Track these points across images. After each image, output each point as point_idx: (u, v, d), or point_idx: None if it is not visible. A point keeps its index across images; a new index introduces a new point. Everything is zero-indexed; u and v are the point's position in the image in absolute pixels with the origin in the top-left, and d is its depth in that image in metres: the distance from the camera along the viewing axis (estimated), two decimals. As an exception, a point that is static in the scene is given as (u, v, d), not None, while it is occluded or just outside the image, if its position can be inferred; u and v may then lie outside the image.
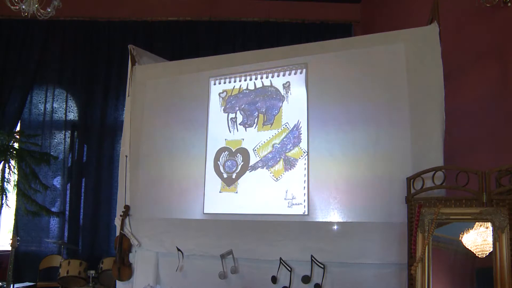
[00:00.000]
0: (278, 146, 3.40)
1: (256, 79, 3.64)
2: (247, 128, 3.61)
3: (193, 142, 3.76)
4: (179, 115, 3.91)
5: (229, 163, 3.61)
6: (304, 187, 3.24)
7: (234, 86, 3.73)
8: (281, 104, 3.47)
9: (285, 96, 3.48)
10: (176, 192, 3.77)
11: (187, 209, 3.68)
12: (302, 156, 3.30)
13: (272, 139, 3.43)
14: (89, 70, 5.63)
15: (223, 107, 3.73)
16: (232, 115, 3.69)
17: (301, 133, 3.34)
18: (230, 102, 3.72)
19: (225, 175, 3.60)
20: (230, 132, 3.67)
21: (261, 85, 3.57)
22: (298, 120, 3.37)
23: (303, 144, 3.31)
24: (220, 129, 3.71)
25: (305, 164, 3.28)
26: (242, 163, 3.57)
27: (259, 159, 3.45)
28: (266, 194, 3.38)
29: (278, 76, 3.53)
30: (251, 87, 3.66)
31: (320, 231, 3.16)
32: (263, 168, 3.44)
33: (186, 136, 3.81)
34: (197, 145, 3.73)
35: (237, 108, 3.69)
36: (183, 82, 3.97)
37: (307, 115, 3.34)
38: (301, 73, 3.45)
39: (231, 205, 3.54)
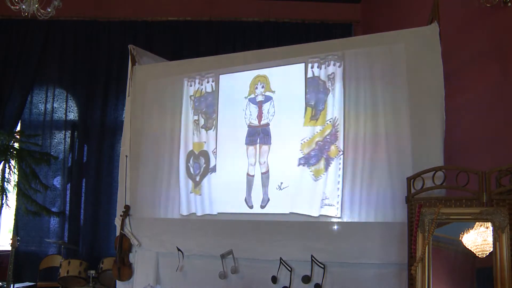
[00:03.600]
0: (322, 143, 3.29)
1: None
2: (207, 131, 3.71)
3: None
4: (179, 115, 3.92)
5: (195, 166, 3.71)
6: (338, 188, 3.15)
7: (199, 88, 3.82)
8: (326, 98, 3.34)
9: (330, 88, 3.33)
10: (176, 192, 3.78)
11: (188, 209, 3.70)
12: (337, 155, 3.21)
13: (316, 136, 3.31)
14: (89, 70, 5.63)
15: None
16: (195, 118, 3.78)
17: (337, 131, 3.25)
18: (194, 103, 3.81)
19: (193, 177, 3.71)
20: (193, 134, 3.76)
21: (311, 75, 3.42)
22: (336, 117, 3.27)
23: (339, 143, 3.22)
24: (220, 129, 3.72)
25: (340, 164, 3.18)
26: (204, 165, 3.64)
27: (302, 155, 3.33)
28: (304, 192, 3.28)
29: (323, 67, 3.38)
30: (210, 89, 3.74)
31: (320, 231, 3.16)
32: (304, 165, 3.32)
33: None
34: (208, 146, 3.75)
35: (200, 111, 3.78)
36: (183, 82, 3.98)
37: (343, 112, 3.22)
38: (339, 66, 3.32)
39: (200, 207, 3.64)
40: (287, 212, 3.29)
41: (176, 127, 3.89)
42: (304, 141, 3.33)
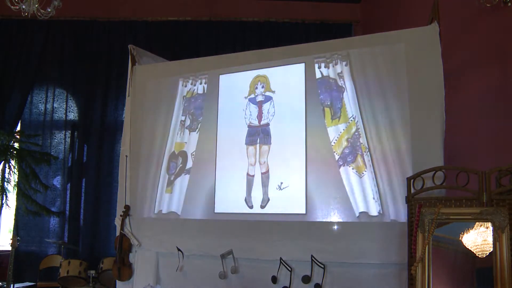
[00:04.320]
0: (352, 140, 3.21)
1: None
2: (190, 133, 3.75)
3: (203, 143, 3.76)
4: (171, 115, 3.94)
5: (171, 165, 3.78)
6: (375, 185, 3.08)
7: (191, 89, 3.85)
8: (342, 96, 3.29)
9: (343, 86, 3.29)
10: (155, 195, 3.81)
11: (188, 208, 3.70)
12: (365, 151, 3.16)
13: (344, 134, 3.24)
14: (89, 70, 5.63)
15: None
16: (182, 118, 3.83)
17: (359, 128, 3.21)
18: (184, 104, 3.85)
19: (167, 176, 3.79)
20: (177, 134, 3.82)
21: (320, 76, 3.39)
22: (354, 115, 3.24)
23: (363, 140, 3.17)
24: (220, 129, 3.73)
25: (369, 161, 3.12)
26: (181, 165, 3.69)
27: (338, 156, 3.24)
28: (355, 191, 3.17)
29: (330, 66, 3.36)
30: (201, 91, 3.78)
31: (320, 231, 3.16)
32: (344, 165, 3.22)
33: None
34: (207, 146, 3.73)
35: (188, 112, 3.83)
36: (178, 83, 3.98)
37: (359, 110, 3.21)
38: (346, 65, 3.30)
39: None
40: (326, 218, 3.17)
41: (167, 127, 3.93)
42: (334, 143, 3.26)
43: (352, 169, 3.18)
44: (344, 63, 3.30)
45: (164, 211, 3.77)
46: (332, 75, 3.34)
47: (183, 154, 3.79)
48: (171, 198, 3.77)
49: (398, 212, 2.94)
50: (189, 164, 3.73)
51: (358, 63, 3.26)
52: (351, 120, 3.22)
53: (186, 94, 3.92)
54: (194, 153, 3.74)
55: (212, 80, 3.81)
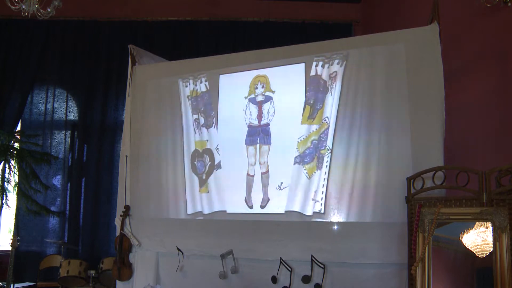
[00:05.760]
0: (316, 142, 3.30)
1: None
2: (208, 129, 3.73)
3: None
4: (179, 115, 3.92)
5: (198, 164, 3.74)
6: (323, 185, 3.19)
7: (194, 88, 3.87)
8: (325, 97, 3.33)
9: (329, 87, 3.32)
10: (181, 191, 3.78)
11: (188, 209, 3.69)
12: (326, 153, 3.23)
13: (312, 135, 3.32)
14: (89, 70, 5.63)
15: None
16: (195, 116, 3.81)
17: (329, 129, 3.27)
18: (192, 103, 3.85)
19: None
20: (195, 133, 3.78)
21: (314, 74, 3.41)
22: (329, 116, 3.29)
23: (329, 141, 3.25)
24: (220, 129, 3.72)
25: (327, 162, 3.21)
26: (209, 163, 3.66)
27: (298, 154, 3.35)
28: (299, 191, 3.30)
29: (325, 66, 3.38)
30: (204, 89, 3.80)
31: (320, 231, 3.16)
32: (299, 164, 3.33)
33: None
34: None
35: (198, 110, 3.82)
36: (178, 83, 3.98)
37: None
38: (341, 65, 3.33)
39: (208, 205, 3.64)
40: (283, 211, 3.31)
41: (177, 127, 3.88)
42: (300, 140, 3.35)
43: (304, 170, 3.29)
44: (340, 63, 3.31)
45: (206, 212, 3.62)
46: (324, 76, 3.36)
47: (208, 152, 3.72)
48: (210, 198, 3.64)
49: (399, 212, 2.93)
50: (217, 159, 3.68)
51: (354, 64, 3.26)
52: (324, 121, 3.28)
53: (190, 94, 3.90)
54: (218, 147, 3.69)
55: (212, 80, 3.81)
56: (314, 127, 3.32)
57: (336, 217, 3.14)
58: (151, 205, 3.85)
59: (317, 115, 3.32)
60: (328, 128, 3.25)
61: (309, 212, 3.22)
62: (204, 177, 3.70)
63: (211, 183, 3.66)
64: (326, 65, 3.35)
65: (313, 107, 3.35)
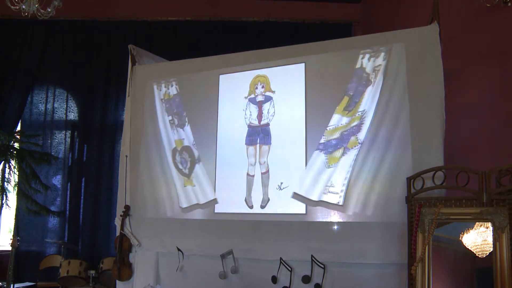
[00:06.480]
0: (346, 133, 3.24)
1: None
2: (183, 128, 3.85)
3: (203, 143, 3.77)
4: (156, 117, 4.01)
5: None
6: (346, 178, 3.16)
7: (165, 91, 4.04)
8: (365, 90, 3.25)
9: (372, 81, 3.24)
10: (172, 188, 3.79)
11: (188, 208, 3.70)
12: (355, 146, 3.19)
13: (343, 127, 3.26)
14: (89, 70, 5.63)
15: None
16: (169, 118, 3.94)
17: (363, 123, 3.21)
18: (165, 106, 3.99)
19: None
20: (173, 133, 3.91)
21: (359, 66, 3.32)
22: (365, 110, 3.23)
23: (361, 135, 3.18)
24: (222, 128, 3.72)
25: (355, 155, 3.17)
26: (190, 158, 3.78)
27: (323, 141, 3.30)
28: (311, 177, 3.29)
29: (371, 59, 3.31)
30: (175, 91, 3.94)
31: (320, 231, 3.16)
32: (321, 152, 3.30)
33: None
34: (207, 144, 3.74)
35: (172, 112, 3.95)
36: (183, 82, 3.98)
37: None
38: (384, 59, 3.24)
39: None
40: (291, 193, 3.31)
41: (157, 127, 4.00)
42: (329, 129, 3.30)
43: (326, 158, 3.25)
44: (385, 56, 3.24)
45: (202, 202, 3.68)
46: (368, 69, 3.27)
47: (187, 148, 3.82)
48: (196, 190, 3.72)
49: (399, 212, 2.93)
50: (196, 153, 3.77)
51: (397, 59, 3.18)
52: (358, 114, 3.21)
53: (163, 97, 4.03)
54: (194, 143, 3.80)
55: (212, 80, 3.82)
56: (346, 119, 3.26)
57: (354, 211, 3.10)
58: (149, 204, 3.86)
59: (353, 108, 3.26)
60: (360, 122, 3.20)
61: (314, 198, 3.21)
62: (187, 172, 3.78)
63: (195, 176, 3.75)
64: (372, 58, 3.28)
65: (352, 99, 3.28)
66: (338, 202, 3.14)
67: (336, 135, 3.26)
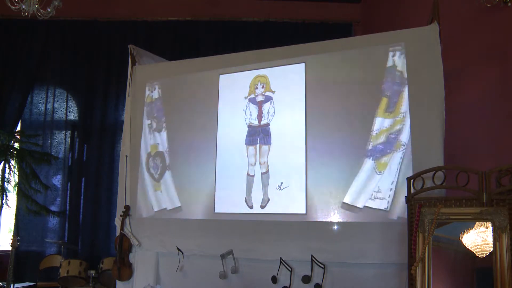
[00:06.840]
0: (393, 136, 3.10)
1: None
2: (160, 133, 3.90)
3: (203, 144, 3.76)
4: (145, 120, 4.03)
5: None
6: (393, 182, 3.02)
7: (149, 95, 4.08)
8: (402, 89, 3.13)
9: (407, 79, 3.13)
10: (144, 191, 3.84)
11: (188, 208, 3.70)
12: (399, 149, 3.06)
13: (388, 129, 3.13)
14: (89, 70, 5.63)
15: None
16: (148, 122, 4.00)
17: (404, 125, 3.09)
18: (147, 109, 4.05)
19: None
20: (149, 137, 4.00)
21: (391, 64, 3.21)
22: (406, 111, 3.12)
23: (403, 137, 3.07)
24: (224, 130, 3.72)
25: (400, 158, 3.04)
26: (161, 164, 3.84)
27: (371, 147, 3.14)
28: (360, 184, 3.14)
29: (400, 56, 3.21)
30: (157, 95, 4.00)
31: (320, 231, 3.16)
32: (369, 158, 3.14)
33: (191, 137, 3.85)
34: (208, 146, 3.74)
35: (151, 116, 4.02)
36: (183, 82, 3.98)
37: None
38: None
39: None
40: (335, 204, 3.17)
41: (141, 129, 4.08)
42: (374, 134, 3.16)
43: (375, 164, 3.12)
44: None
45: (169, 208, 3.78)
46: (400, 67, 3.17)
47: (160, 154, 3.90)
48: (163, 196, 3.83)
49: (399, 213, 2.93)
50: (168, 160, 3.86)
51: (419, 58, 3.10)
52: (402, 116, 3.10)
53: (146, 99, 4.08)
54: (168, 150, 3.88)
55: (212, 80, 3.82)
56: (390, 121, 3.13)
57: (398, 215, 2.97)
58: (151, 205, 3.87)
59: (395, 109, 3.13)
60: (403, 123, 3.09)
61: (360, 204, 3.09)
62: (157, 177, 3.88)
63: (163, 182, 3.84)
64: (403, 55, 3.18)
65: (390, 99, 3.17)
66: (386, 208, 3.01)
67: (382, 138, 3.13)
